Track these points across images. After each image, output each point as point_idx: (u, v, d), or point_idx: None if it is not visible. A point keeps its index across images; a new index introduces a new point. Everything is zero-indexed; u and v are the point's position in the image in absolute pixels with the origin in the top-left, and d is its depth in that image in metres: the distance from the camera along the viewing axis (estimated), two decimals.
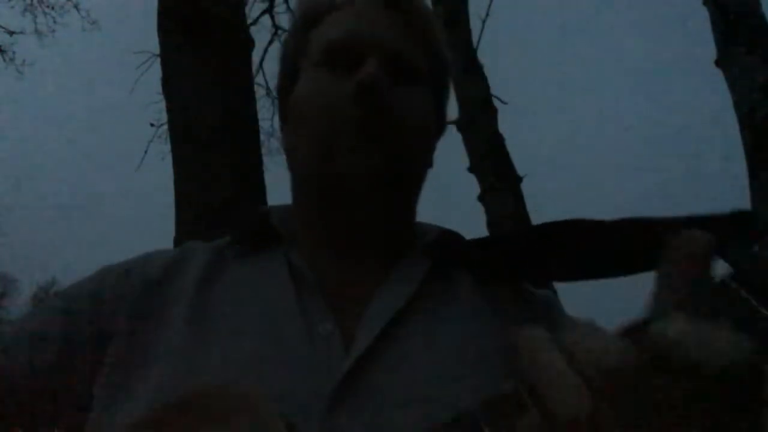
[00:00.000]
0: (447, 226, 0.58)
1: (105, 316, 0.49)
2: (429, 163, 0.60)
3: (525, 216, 4.29)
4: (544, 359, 0.29)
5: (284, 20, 5.82)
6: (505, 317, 0.51)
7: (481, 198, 4.52)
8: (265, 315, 0.48)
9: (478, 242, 0.56)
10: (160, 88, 2.39)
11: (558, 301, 0.58)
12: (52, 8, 7.83)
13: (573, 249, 0.52)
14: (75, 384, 0.46)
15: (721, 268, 0.30)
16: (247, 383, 0.41)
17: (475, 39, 5.04)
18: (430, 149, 0.60)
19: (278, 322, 0.47)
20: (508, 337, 0.32)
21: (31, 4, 7.69)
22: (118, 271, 0.53)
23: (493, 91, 4.84)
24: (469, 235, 0.58)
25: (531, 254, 0.54)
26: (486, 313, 0.51)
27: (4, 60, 7.95)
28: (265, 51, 5.71)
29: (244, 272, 0.53)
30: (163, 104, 2.43)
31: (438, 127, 0.62)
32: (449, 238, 0.56)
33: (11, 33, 7.94)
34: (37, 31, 7.91)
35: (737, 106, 3.34)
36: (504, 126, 4.64)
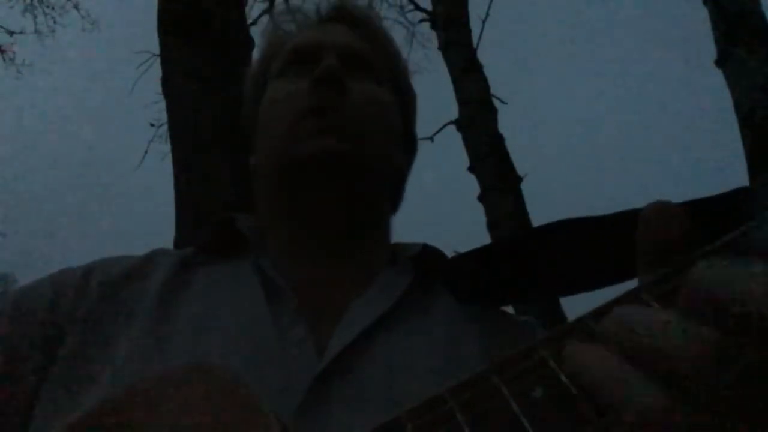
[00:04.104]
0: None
1: (59, 316, 0.46)
2: (397, 165, 0.59)
3: (525, 216, 4.29)
4: (589, 357, 0.24)
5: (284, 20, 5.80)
6: (485, 338, 0.49)
7: (481, 198, 4.52)
8: (235, 320, 0.46)
9: (461, 258, 0.53)
10: (160, 88, 2.39)
11: (540, 327, 0.55)
12: (52, 8, 7.84)
13: (568, 253, 0.49)
14: (17, 391, 0.43)
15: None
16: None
17: (475, 39, 5.04)
18: (395, 147, 0.59)
19: (248, 328, 0.45)
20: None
21: (31, 4, 7.70)
22: (78, 271, 0.51)
23: (493, 91, 4.85)
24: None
25: (520, 267, 0.51)
26: (464, 332, 0.49)
27: (4, 60, 7.96)
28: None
29: (212, 277, 0.51)
30: (163, 104, 2.43)
31: (406, 138, 0.62)
32: (431, 253, 0.55)
33: (11, 33, 7.95)
34: (37, 31, 7.92)
35: (737, 106, 3.34)
36: (504, 126, 4.64)
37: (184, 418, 0.32)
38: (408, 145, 0.63)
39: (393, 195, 0.62)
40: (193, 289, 0.49)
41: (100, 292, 0.48)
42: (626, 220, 0.46)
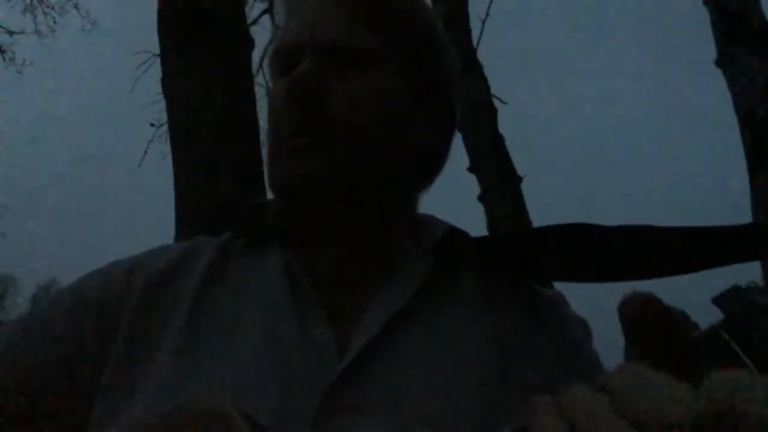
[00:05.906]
0: None
1: (108, 320, 0.49)
2: (407, 150, 0.54)
3: (525, 216, 4.28)
4: (593, 415, 0.24)
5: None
6: (508, 324, 0.50)
7: (481, 198, 4.52)
8: (263, 321, 0.47)
9: (482, 240, 0.55)
10: (160, 88, 2.39)
11: (565, 301, 0.56)
12: (52, 8, 7.86)
13: (574, 252, 0.52)
14: (77, 386, 0.46)
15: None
16: (223, 401, 0.40)
17: (475, 39, 5.04)
18: (402, 132, 0.54)
19: (274, 328, 0.47)
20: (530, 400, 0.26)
21: (31, 4, 7.71)
22: (124, 268, 0.52)
23: (493, 91, 4.84)
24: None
25: (532, 254, 0.53)
26: (487, 322, 0.50)
27: (4, 60, 7.96)
28: (265, 51, 5.70)
29: (244, 273, 0.52)
30: (163, 104, 2.43)
31: (430, 111, 0.56)
32: (456, 237, 0.54)
33: (11, 33, 7.95)
34: (37, 31, 7.93)
35: (737, 106, 3.35)
36: (504, 126, 4.64)
37: None
38: (437, 117, 0.58)
39: (421, 171, 0.58)
40: (225, 292, 0.50)
41: (143, 296, 0.50)
42: (626, 233, 0.49)
